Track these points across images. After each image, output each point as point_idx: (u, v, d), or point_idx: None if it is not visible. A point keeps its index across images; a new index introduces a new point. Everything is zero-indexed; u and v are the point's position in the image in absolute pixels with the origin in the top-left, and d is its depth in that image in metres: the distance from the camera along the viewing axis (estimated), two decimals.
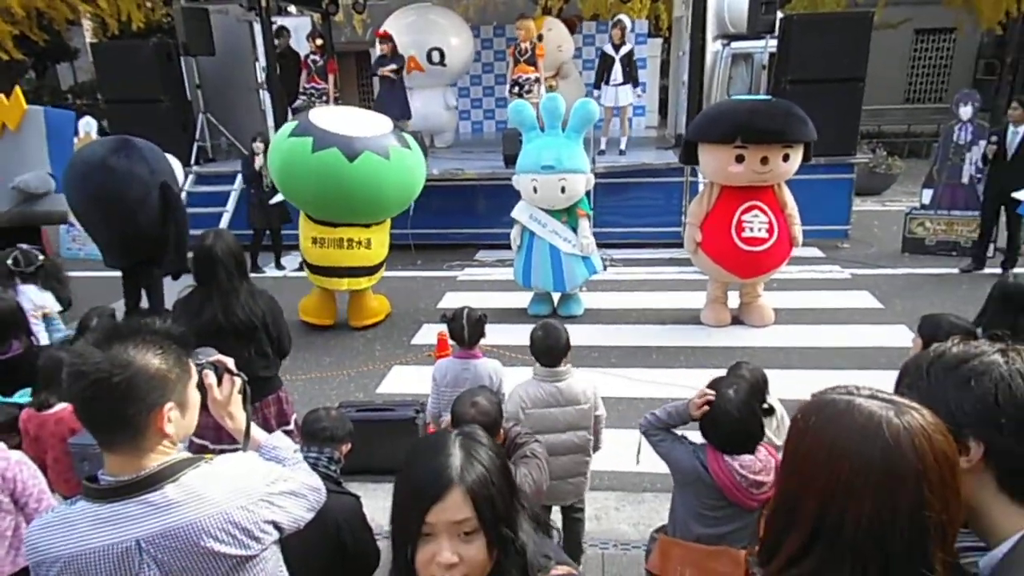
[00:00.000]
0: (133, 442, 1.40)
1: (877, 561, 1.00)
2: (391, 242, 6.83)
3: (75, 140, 8.40)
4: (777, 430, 3.08)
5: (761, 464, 2.48)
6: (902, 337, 6.07)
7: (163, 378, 1.42)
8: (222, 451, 1.79)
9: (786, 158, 5.73)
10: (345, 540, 2.58)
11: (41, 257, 4.84)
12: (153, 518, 1.38)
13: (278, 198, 7.63)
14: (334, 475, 2.69)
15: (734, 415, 2.48)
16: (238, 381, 1.69)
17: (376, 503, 4.07)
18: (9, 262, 4.72)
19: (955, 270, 7.69)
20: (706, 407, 2.55)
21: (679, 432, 2.72)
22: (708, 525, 2.53)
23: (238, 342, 3.24)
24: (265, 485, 1.51)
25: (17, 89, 6.84)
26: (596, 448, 3.35)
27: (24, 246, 4.82)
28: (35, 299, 4.75)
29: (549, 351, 3.16)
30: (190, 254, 3.45)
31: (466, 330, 3.56)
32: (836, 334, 6.18)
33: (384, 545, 3.69)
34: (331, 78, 9.97)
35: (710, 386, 2.64)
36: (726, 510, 2.50)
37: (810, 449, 1.08)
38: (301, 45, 10.33)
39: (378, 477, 4.25)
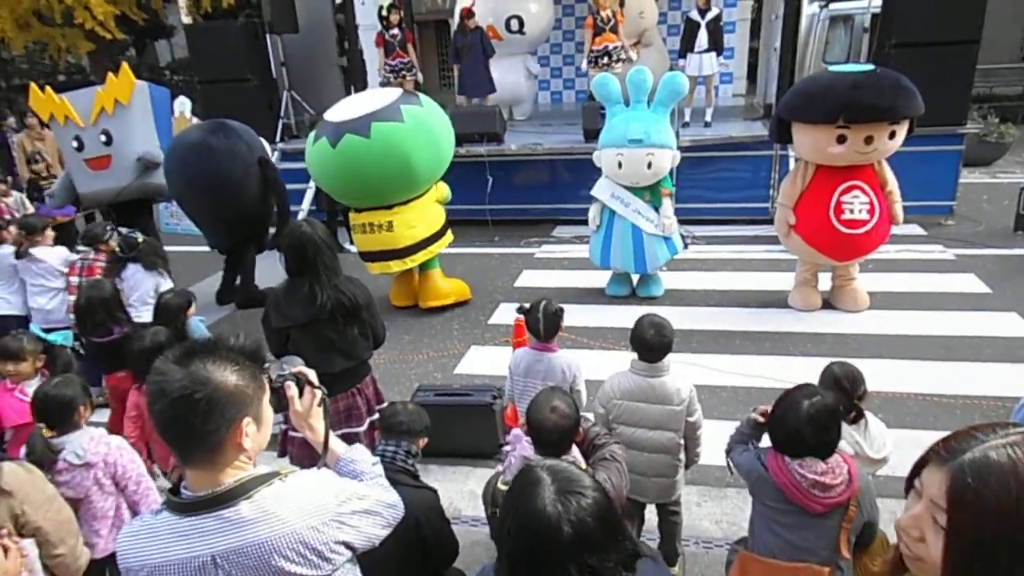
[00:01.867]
0: (211, 457, 1.44)
1: None
2: (467, 219, 6.77)
3: (171, 119, 8.78)
4: (865, 435, 2.91)
5: (826, 466, 2.34)
6: (1012, 326, 5.65)
7: (241, 393, 1.45)
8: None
9: (892, 135, 5.32)
10: (425, 535, 2.60)
11: (141, 239, 5.08)
12: (227, 534, 1.42)
13: None
14: (412, 469, 2.72)
15: (803, 430, 2.33)
16: (318, 393, 1.71)
17: (454, 486, 4.16)
18: (116, 249, 4.99)
19: None
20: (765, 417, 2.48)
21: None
22: (779, 534, 2.44)
23: (348, 323, 3.34)
24: (337, 504, 1.52)
25: (125, 64, 7.16)
26: (691, 460, 3.26)
27: (123, 230, 5.06)
28: (147, 281, 5.01)
29: (652, 347, 3.08)
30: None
31: (541, 323, 3.51)
32: (937, 321, 5.79)
33: (463, 530, 3.76)
34: (410, 49, 9.96)
35: (791, 390, 2.48)
36: (793, 516, 2.39)
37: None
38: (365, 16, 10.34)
39: (456, 460, 4.32)
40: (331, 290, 3.30)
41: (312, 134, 6.14)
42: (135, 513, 2.89)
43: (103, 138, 6.94)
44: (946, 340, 5.47)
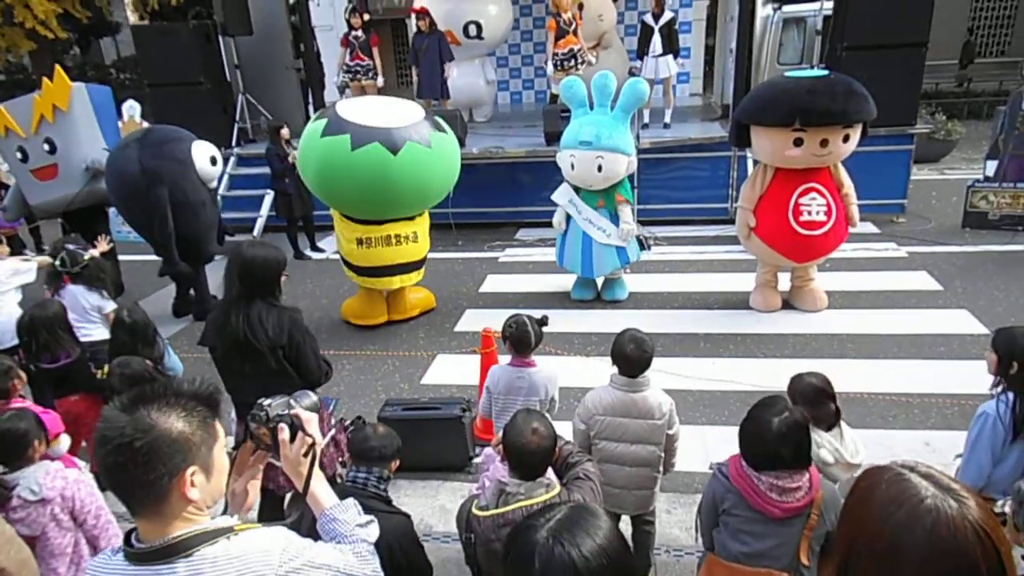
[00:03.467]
0: (156, 507, 1.39)
1: None
2: (430, 222, 6.72)
3: (120, 124, 8.50)
4: (842, 441, 2.96)
5: (786, 472, 2.38)
6: (963, 323, 5.82)
7: (186, 442, 1.39)
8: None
9: (846, 138, 5.46)
10: (399, 562, 2.55)
11: (87, 256, 4.89)
12: None
13: None
14: (384, 494, 2.66)
15: (778, 447, 2.37)
16: (308, 441, 1.64)
17: (425, 502, 4.12)
18: (57, 263, 4.79)
19: (1021, 247, 7.29)
20: None
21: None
22: (742, 540, 2.48)
23: (241, 358, 3.13)
24: (276, 566, 1.42)
25: (58, 68, 6.87)
26: (668, 468, 3.28)
27: (71, 246, 4.87)
28: (90, 299, 4.82)
29: (633, 362, 3.08)
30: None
31: (533, 337, 3.47)
32: (893, 319, 5.95)
33: (434, 547, 3.72)
34: (375, 52, 9.83)
35: (756, 404, 2.51)
36: (755, 524, 2.44)
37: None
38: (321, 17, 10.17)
39: (426, 475, 4.28)
40: (229, 317, 3.09)
41: (319, 124, 5.74)
42: (94, 548, 2.79)
43: (46, 147, 6.70)
44: (901, 339, 5.62)
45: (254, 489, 1.71)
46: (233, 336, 3.10)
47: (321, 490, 1.68)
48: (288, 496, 3.40)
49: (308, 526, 1.68)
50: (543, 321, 3.62)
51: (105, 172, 6.42)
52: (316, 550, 1.53)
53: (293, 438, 1.62)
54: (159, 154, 6.22)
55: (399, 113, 5.90)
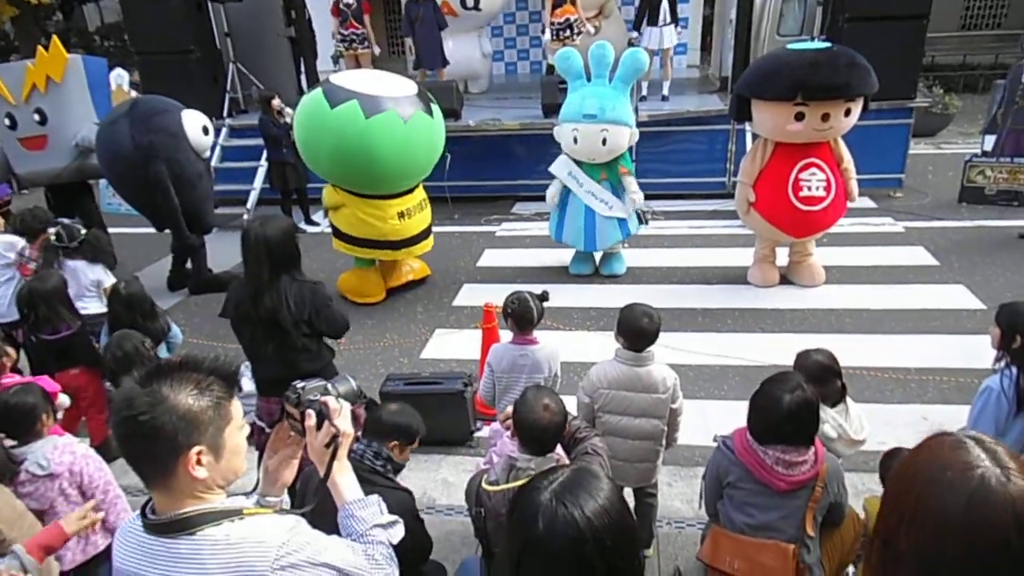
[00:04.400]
0: (165, 482, 1.39)
1: None
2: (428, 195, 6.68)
3: (109, 91, 8.34)
4: (847, 417, 2.99)
5: (792, 447, 2.42)
6: (960, 298, 5.87)
7: (194, 420, 1.37)
8: None
9: (848, 112, 5.43)
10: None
11: (84, 231, 4.83)
12: (166, 564, 1.39)
13: None
14: (380, 470, 2.65)
15: (788, 423, 2.40)
16: (332, 431, 1.59)
17: (427, 475, 4.14)
18: (52, 238, 4.73)
19: (1018, 222, 7.29)
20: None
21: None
22: (748, 512, 2.53)
23: (264, 335, 3.18)
24: (271, 560, 1.38)
25: (55, 38, 6.73)
26: (671, 442, 3.31)
27: (66, 220, 4.81)
28: (89, 274, 4.77)
29: (639, 336, 3.08)
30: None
31: (536, 312, 3.47)
32: (890, 294, 5.98)
33: (437, 520, 3.76)
34: (366, 20, 9.66)
35: (767, 380, 2.53)
36: (759, 496, 2.49)
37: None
38: None
39: (428, 449, 4.29)
40: (261, 296, 3.13)
41: (318, 96, 5.59)
42: (103, 523, 2.79)
43: (37, 117, 6.56)
44: (898, 313, 5.65)
45: (290, 468, 1.69)
46: (251, 308, 3.13)
47: (344, 482, 1.62)
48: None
49: (331, 518, 1.64)
50: (544, 297, 3.61)
51: (96, 148, 6.30)
52: (322, 545, 1.47)
53: (320, 426, 1.58)
54: (150, 128, 6.11)
55: (394, 85, 5.82)
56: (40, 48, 6.55)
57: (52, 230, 4.80)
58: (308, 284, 3.24)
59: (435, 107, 6.00)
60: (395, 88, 5.77)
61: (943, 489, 1.04)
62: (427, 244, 6.40)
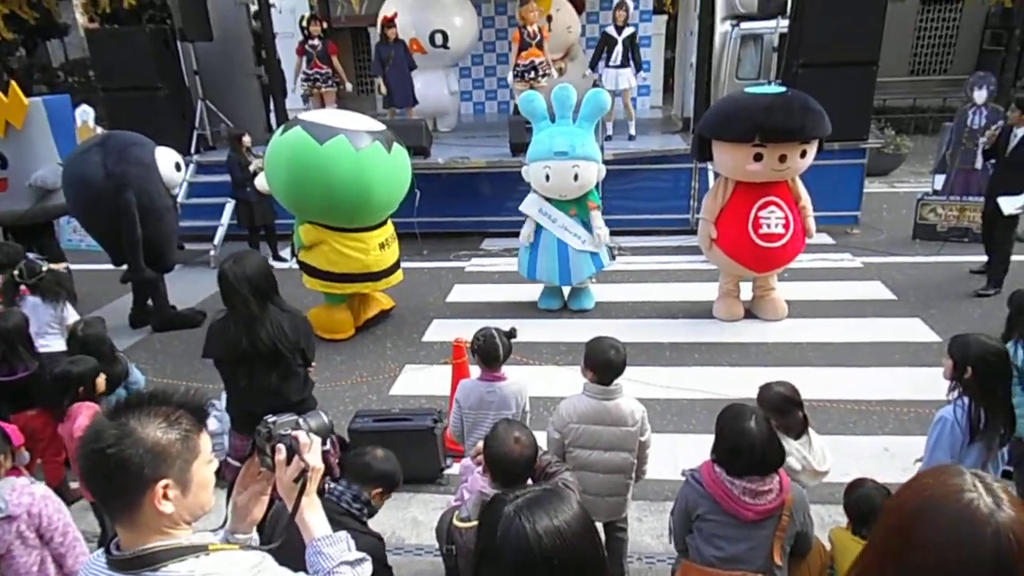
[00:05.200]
0: (130, 516, 1.38)
1: None
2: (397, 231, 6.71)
3: (74, 127, 8.26)
4: (809, 449, 3.05)
5: (759, 476, 2.46)
6: (917, 331, 6.05)
7: (161, 452, 1.37)
8: None
9: (803, 153, 5.65)
10: None
11: (44, 267, 4.76)
12: None
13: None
14: (356, 513, 2.62)
15: (756, 452, 2.44)
16: (301, 466, 1.58)
17: (396, 514, 4.09)
18: (15, 274, 4.64)
19: (967, 257, 7.58)
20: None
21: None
22: (716, 544, 2.55)
23: (264, 368, 3.23)
24: None
25: (14, 84, 6.68)
26: (640, 476, 3.33)
27: (31, 255, 4.73)
28: (51, 310, 4.69)
29: (607, 368, 3.12)
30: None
31: (502, 350, 3.48)
32: (850, 328, 6.14)
33: (406, 560, 3.70)
34: (334, 60, 9.77)
35: (726, 411, 2.59)
36: (728, 528, 2.51)
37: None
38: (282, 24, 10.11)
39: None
40: (256, 331, 3.19)
41: (300, 135, 5.61)
42: (60, 567, 2.70)
43: None
44: (859, 346, 5.81)
45: (260, 505, 1.67)
46: (247, 345, 3.18)
47: (313, 518, 1.60)
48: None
49: (298, 554, 1.63)
50: (511, 334, 3.62)
51: (64, 178, 6.23)
52: None
53: (290, 460, 1.57)
54: (124, 158, 6.13)
55: (365, 122, 5.95)
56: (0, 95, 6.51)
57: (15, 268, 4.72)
58: (294, 312, 3.35)
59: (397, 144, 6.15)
60: (366, 123, 5.91)
61: (928, 511, 1.07)
62: (399, 275, 6.48)
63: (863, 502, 2.89)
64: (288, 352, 3.24)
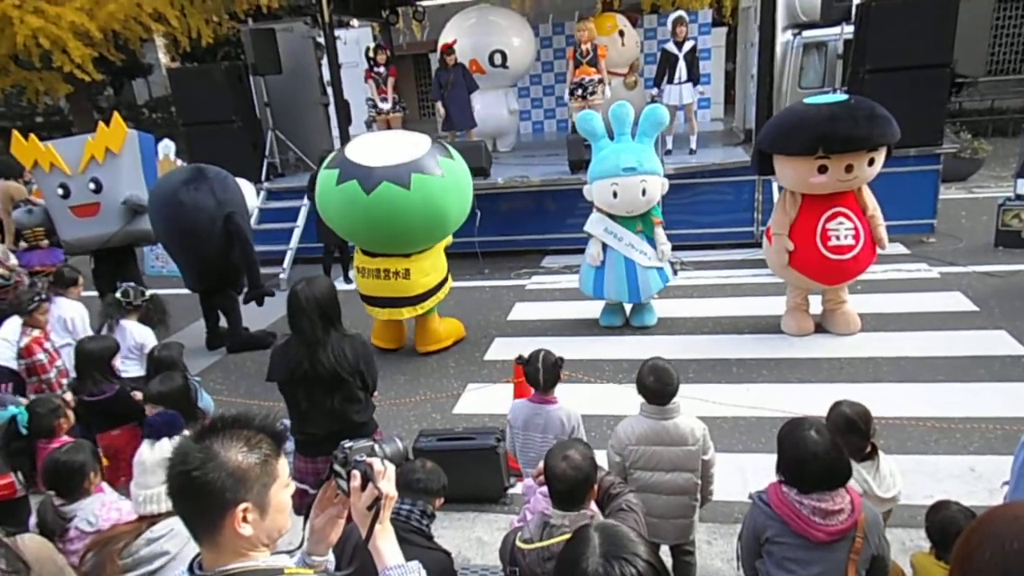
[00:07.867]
0: (211, 537, 1.42)
1: None
2: (456, 252, 6.73)
3: (156, 162, 8.75)
4: (875, 474, 2.92)
5: (827, 493, 2.37)
6: (1003, 344, 5.73)
7: (242, 477, 1.41)
8: None
9: (871, 162, 5.45)
10: None
11: (148, 293, 5.06)
12: None
13: None
14: (425, 530, 2.67)
15: (820, 462, 2.37)
16: (375, 494, 1.59)
17: (461, 533, 4.12)
18: (119, 295, 4.93)
19: None
20: None
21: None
22: (788, 568, 2.46)
23: (325, 391, 3.31)
24: None
25: (116, 115, 7.17)
26: (707, 498, 3.27)
27: (132, 284, 5.03)
28: (136, 334, 4.94)
29: (654, 393, 3.10)
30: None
31: (541, 374, 3.50)
32: (929, 342, 5.86)
33: None
34: (391, 82, 10.09)
35: (785, 426, 2.52)
36: (799, 550, 2.42)
37: None
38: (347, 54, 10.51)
39: (461, 506, 4.27)
40: (318, 354, 3.27)
41: (330, 172, 5.82)
42: None
43: (92, 186, 6.93)
44: (939, 361, 5.53)
45: (336, 528, 1.68)
46: (308, 368, 3.27)
47: (385, 546, 1.60)
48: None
49: None
50: (558, 363, 3.59)
51: (167, 204, 6.53)
52: None
53: (364, 486, 1.58)
54: (226, 187, 6.72)
55: (404, 147, 5.89)
56: (101, 123, 6.98)
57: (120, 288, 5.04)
58: (355, 337, 3.43)
59: (449, 161, 5.98)
60: (403, 152, 5.77)
61: (996, 539, 1.08)
62: (395, 312, 6.35)
63: (947, 525, 2.75)
64: (348, 375, 3.31)
